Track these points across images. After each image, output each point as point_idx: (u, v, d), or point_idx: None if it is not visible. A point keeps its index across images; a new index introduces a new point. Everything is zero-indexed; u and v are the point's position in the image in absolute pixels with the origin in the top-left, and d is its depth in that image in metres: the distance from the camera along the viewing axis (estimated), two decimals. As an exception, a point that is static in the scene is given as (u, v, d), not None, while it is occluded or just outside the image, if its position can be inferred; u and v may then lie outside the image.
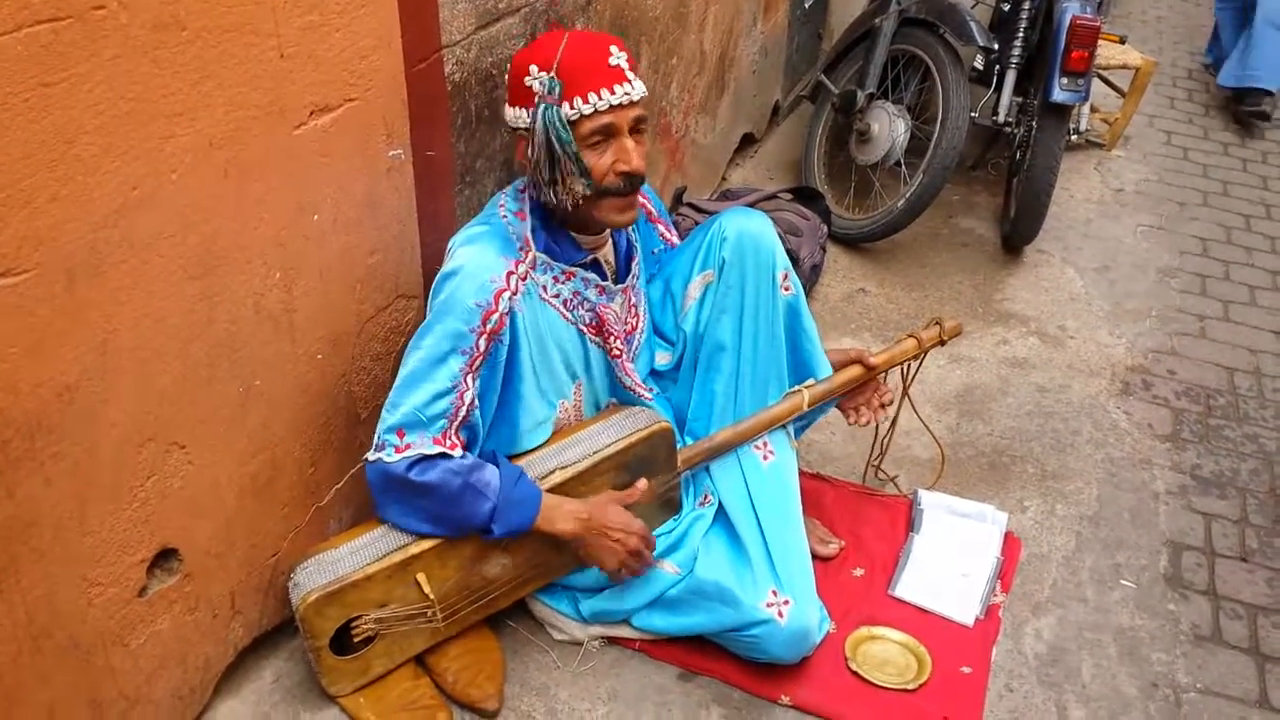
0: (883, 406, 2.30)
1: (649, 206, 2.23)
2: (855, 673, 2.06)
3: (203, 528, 1.73)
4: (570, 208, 1.83)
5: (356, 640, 1.86)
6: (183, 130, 1.46)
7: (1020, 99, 3.70)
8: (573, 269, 1.95)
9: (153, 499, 1.60)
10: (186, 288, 1.56)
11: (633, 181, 1.83)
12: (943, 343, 2.37)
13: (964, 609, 2.22)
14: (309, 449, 1.93)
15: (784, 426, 2.15)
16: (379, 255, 1.96)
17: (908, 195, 3.46)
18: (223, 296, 1.63)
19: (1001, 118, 3.66)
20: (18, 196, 1.26)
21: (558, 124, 1.76)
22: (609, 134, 1.79)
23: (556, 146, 1.77)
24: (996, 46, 3.64)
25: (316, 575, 1.81)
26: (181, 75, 1.43)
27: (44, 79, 1.25)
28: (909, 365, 2.39)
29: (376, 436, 1.81)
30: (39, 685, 1.49)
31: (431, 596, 1.86)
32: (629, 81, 1.79)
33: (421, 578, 1.85)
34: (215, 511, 1.75)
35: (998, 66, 3.70)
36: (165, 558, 1.68)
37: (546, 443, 2.00)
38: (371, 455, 1.81)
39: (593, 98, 1.76)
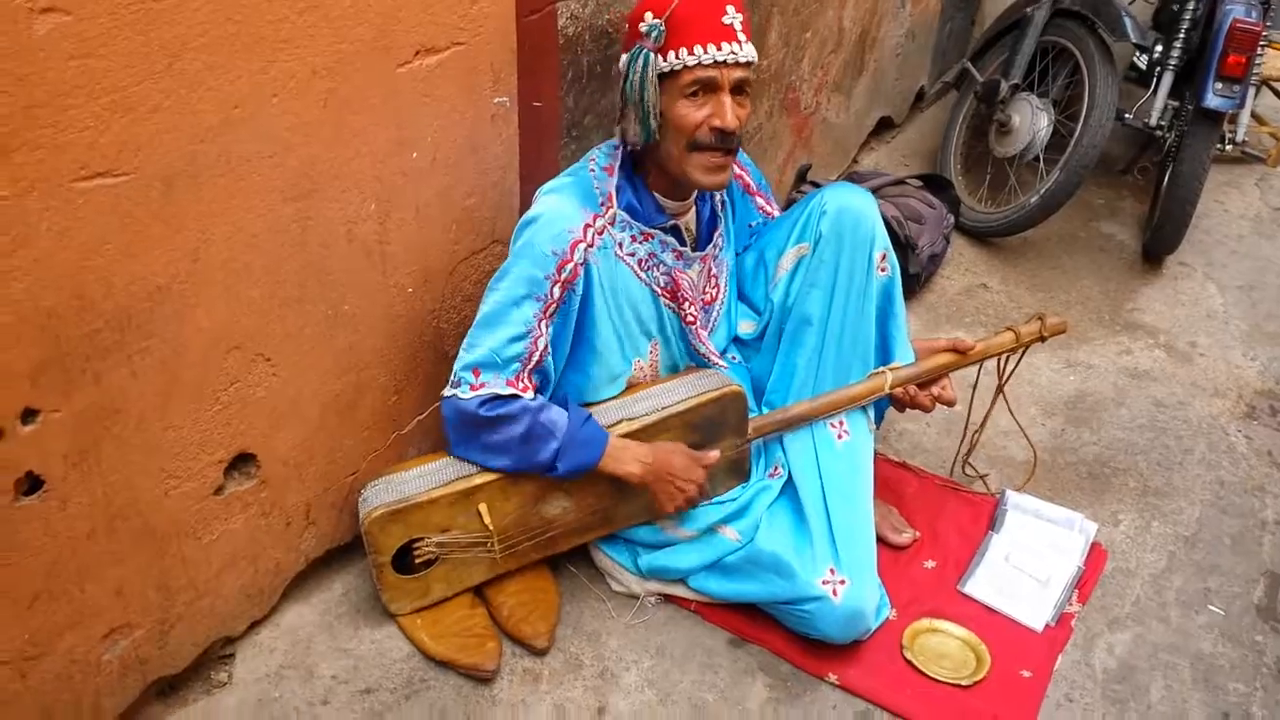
0: (938, 398, 2.18)
1: (747, 179, 2.22)
2: (909, 661, 2.03)
3: (283, 438, 1.82)
4: (661, 160, 1.87)
5: (418, 562, 1.94)
6: (286, 57, 1.54)
7: (1175, 103, 3.52)
8: (651, 230, 1.96)
9: (234, 404, 1.70)
10: (282, 208, 1.65)
11: (726, 140, 1.83)
12: (1043, 339, 2.28)
13: (1035, 613, 2.16)
14: (394, 377, 2.01)
15: (864, 409, 2.13)
16: (476, 199, 2.02)
17: (1042, 191, 3.35)
18: (317, 220, 1.71)
19: (1153, 120, 3.49)
20: (121, 103, 1.35)
21: (641, 67, 1.79)
22: (709, 88, 1.80)
23: (630, 88, 1.80)
24: (1154, 45, 3.48)
25: (384, 494, 1.89)
26: (288, 3, 1.51)
27: (154, -6, 1.34)
28: (1006, 359, 2.32)
29: (453, 373, 1.88)
30: (111, 563, 1.60)
31: (491, 528, 1.92)
32: (739, 42, 1.79)
33: (483, 508, 1.91)
34: (296, 424, 1.84)
35: (1157, 67, 3.53)
36: (244, 462, 1.78)
37: (617, 396, 2.03)
38: (447, 391, 1.88)
39: (698, 50, 1.77)
